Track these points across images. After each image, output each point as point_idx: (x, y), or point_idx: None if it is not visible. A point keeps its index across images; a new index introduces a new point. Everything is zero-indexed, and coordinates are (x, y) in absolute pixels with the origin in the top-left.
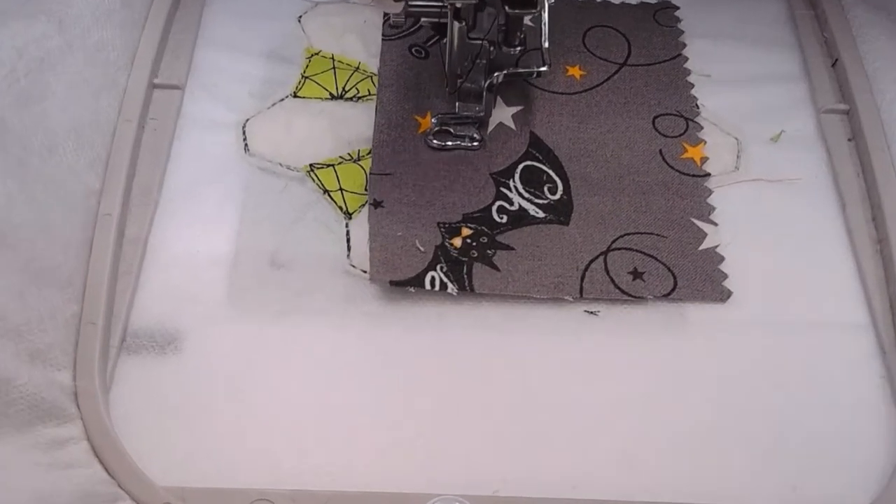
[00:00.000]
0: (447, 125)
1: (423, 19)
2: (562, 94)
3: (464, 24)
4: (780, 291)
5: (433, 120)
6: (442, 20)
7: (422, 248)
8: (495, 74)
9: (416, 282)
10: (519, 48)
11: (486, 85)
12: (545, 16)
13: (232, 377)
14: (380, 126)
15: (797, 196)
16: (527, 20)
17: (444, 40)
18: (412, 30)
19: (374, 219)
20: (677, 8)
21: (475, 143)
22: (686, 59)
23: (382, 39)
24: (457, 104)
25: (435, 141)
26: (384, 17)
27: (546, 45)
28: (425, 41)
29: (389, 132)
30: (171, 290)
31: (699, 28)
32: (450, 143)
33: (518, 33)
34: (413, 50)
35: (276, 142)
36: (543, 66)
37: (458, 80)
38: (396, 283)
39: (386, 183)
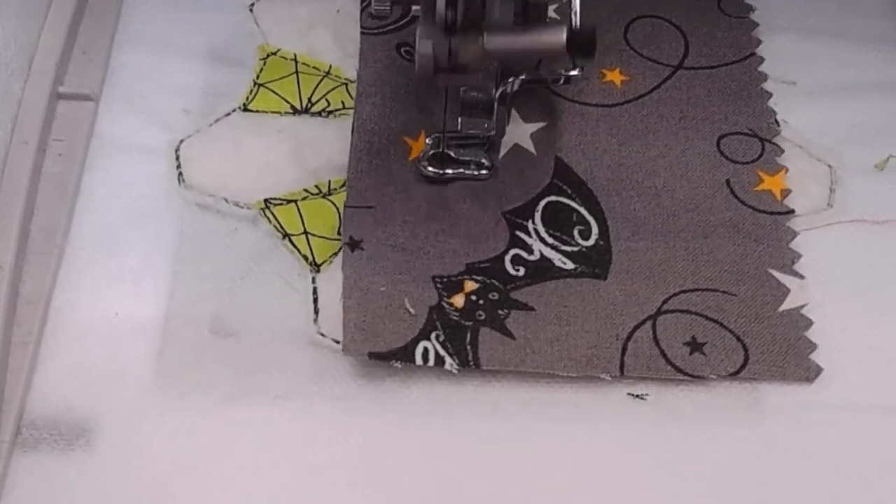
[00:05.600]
0: (447, 147)
1: (414, 7)
2: (597, 106)
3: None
4: (886, 368)
5: (428, 140)
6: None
7: (412, 310)
8: (509, 80)
9: (404, 355)
10: None
11: (497, 94)
12: (576, 1)
13: (160, 482)
14: (358, 150)
15: None
16: (551, 9)
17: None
18: (401, 22)
19: (349, 266)
20: None
21: (483, 172)
22: (761, 60)
23: (362, 34)
24: (459, 120)
25: (430, 168)
26: (362, 2)
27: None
28: None
29: (370, 159)
30: (80, 367)
31: (779, 20)
32: (450, 170)
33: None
34: (402, 50)
35: (221, 170)
36: (574, 68)
37: (461, 89)
38: (377, 357)
39: (366, 218)
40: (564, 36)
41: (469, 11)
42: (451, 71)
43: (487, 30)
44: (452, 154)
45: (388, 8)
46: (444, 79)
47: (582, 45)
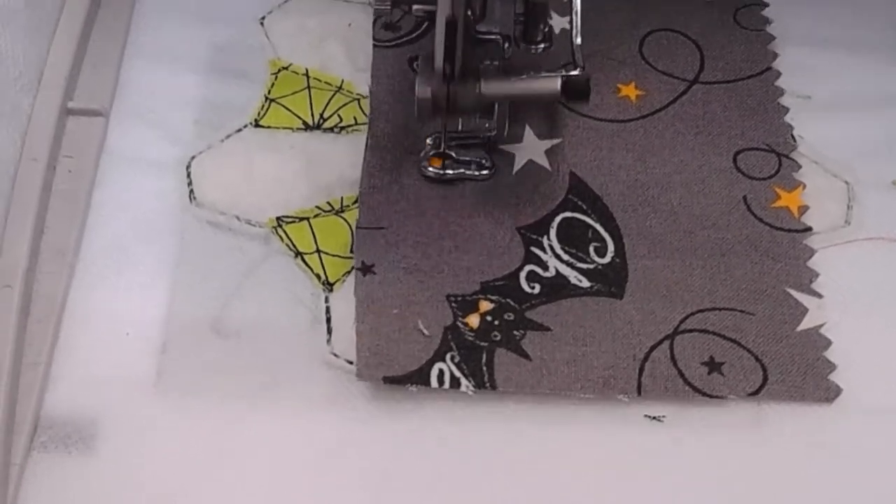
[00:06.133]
0: (447, 147)
1: (415, 7)
2: (612, 121)
3: (470, 13)
4: None
5: (429, 140)
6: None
7: (426, 331)
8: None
9: (419, 378)
10: (542, 45)
11: None
12: (577, 1)
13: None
14: (371, 166)
15: None
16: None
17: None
18: (414, 34)
19: (362, 290)
20: (766, 5)
21: (484, 172)
22: (778, 73)
23: (374, 47)
24: (460, 120)
25: (430, 168)
26: (374, 14)
27: (578, 41)
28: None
29: (382, 175)
30: (91, 385)
31: (796, 32)
32: (450, 171)
33: (541, 25)
34: (415, 64)
35: (232, 187)
36: (575, 68)
37: None
38: (393, 381)
39: (378, 241)
40: (559, 84)
41: (466, 61)
42: (450, 112)
43: (484, 76)
44: (453, 154)
45: (389, 7)
46: (442, 118)
47: (577, 92)
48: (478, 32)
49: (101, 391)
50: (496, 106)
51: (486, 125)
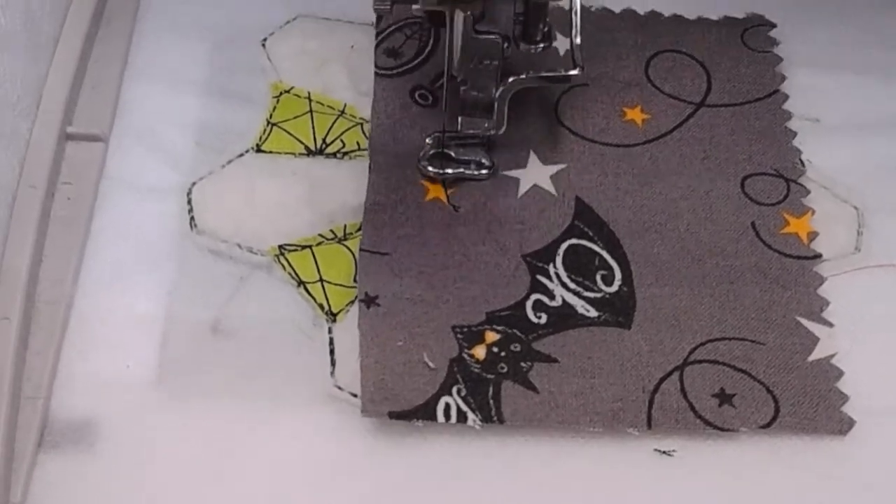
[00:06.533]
0: (447, 147)
1: (414, 7)
2: (618, 146)
3: (469, 13)
4: None
5: (428, 140)
6: (440, 8)
7: (431, 364)
8: (510, 80)
9: (426, 412)
10: (542, 45)
11: (497, 94)
12: (576, 1)
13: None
14: (375, 186)
15: None
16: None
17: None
18: (416, 61)
19: (366, 323)
20: (774, 26)
21: (483, 171)
22: (786, 96)
23: (376, 75)
24: (459, 119)
25: (430, 168)
26: (377, 37)
27: (578, 40)
28: (433, 80)
29: (388, 193)
30: (89, 422)
31: (804, 53)
32: (450, 170)
33: (541, 25)
34: (416, 95)
35: (234, 214)
36: (574, 68)
37: (462, 88)
38: (398, 416)
39: (382, 268)
40: None
41: None
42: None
43: None
44: (453, 154)
45: (389, 8)
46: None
47: None
48: (477, 32)
49: (99, 432)
50: (496, 105)
51: (486, 124)
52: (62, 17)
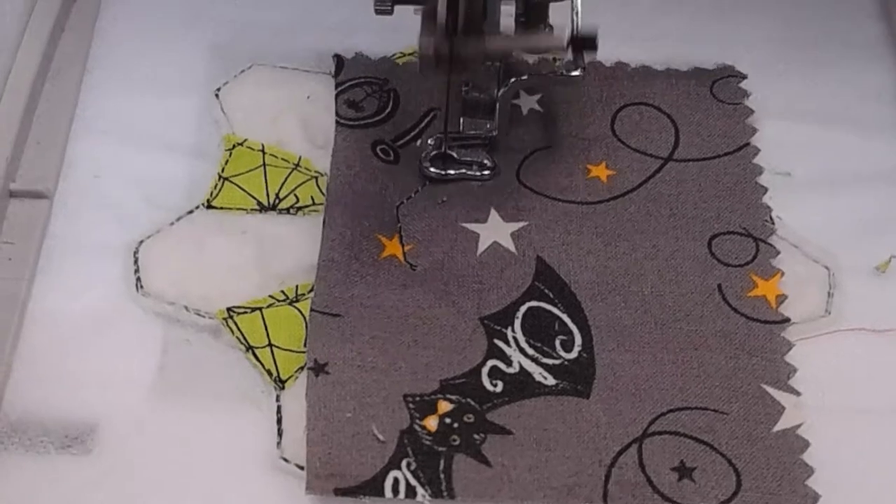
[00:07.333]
0: (448, 148)
1: (415, 8)
2: (581, 203)
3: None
4: (886, 494)
5: (430, 141)
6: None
7: (381, 437)
8: (511, 80)
9: (373, 488)
10: None
11: (499, 94)
12: (577, 1)
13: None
14: (329, 241)
15: None
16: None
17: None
18: (379, 116)
19: (314, 393)
20: (744, 77)
21: (486, 172)
22: (756, 151)
23: (337, 124)
24: (461, 120)
25: (432, 169)
26: (337, 87)
27: None
28: (394, 138)
29: (342, 251)
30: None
31: (775, 105)
32: (452, 171)
33: (542, 26)
34: (378, 149)
35: (181, 276)
36: (575, 69)
37: (464, 89)
38: (344, 493)
39: (332, 332)
40: (566, 38)
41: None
42: (453, 67)
43: (488, 30)
44: (454, 155)
45: (390, 8)
46: (445, 71)
47: (585, 42)
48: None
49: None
50: (497, 106)
51: (487, 125)
52: (7, 69)
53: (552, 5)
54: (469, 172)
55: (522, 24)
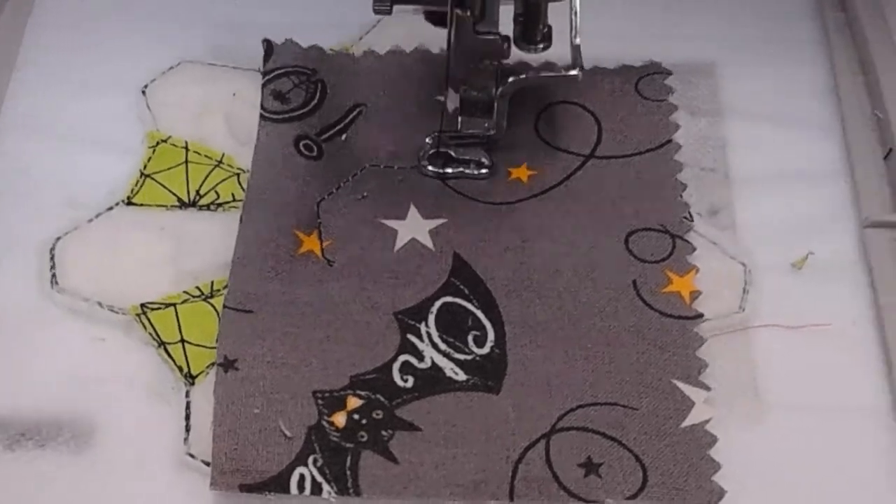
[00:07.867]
0: (446, 146)
1: (414, 7)
2: (502, 203)
3: (468, 12)
4: (796, 493)
5: (428, 140)
6: (441, 8)
7: (288, 433)
8: (510, 80)
9: (278, 484)
10: (542, 45)
11: (497, 93)
12: (576, 1)
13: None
14: (244, 237)
15: (828, 350)
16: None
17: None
18: (304, 109)
19: (222, 390)
20: (669, 73)
21: (483, 171)
22: (678, 147)
23: (261, 117)
24: (459, 119)
25: (430, 167)
26: (263, 77)
27: (578, 41)
28: (319, 132)
29: (258, 247)
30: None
31: (698, 101)
32: (450, 169)
33: (541, 26)
34: (301, 145)
35: (97, 271)
36: (574, 69)
37: (462, 88)
38: (249, 489)
39: (244, 328)
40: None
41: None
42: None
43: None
44: (453, 153)
45: (389, 8)
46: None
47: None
48: (477, 33)
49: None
50: (496, 105)
51: (485, 124)
52: None
53: (551, 5)
54: (467, 171)
55: (522, 24)
